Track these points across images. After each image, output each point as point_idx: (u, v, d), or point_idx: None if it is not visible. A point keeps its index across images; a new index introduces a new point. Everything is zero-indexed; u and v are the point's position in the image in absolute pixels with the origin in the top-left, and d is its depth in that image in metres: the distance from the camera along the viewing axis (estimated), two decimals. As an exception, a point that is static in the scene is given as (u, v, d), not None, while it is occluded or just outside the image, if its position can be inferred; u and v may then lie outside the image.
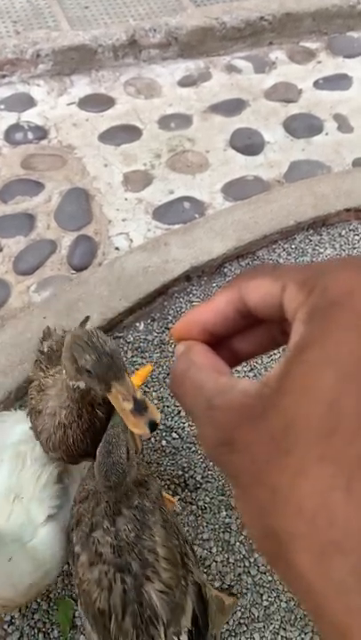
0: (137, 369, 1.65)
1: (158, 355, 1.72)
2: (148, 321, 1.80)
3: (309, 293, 0.22)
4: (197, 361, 0.26)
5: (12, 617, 1.27)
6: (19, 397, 1.54)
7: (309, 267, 0.23)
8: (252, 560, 1.37)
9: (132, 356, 1.71)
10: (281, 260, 1.98)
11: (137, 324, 1.79)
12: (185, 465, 1.50)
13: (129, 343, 1.74)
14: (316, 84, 2.73)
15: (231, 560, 1.37)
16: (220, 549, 1.38)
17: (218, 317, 0.27)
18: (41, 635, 1.25)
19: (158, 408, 1.60)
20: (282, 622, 1.29)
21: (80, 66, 2.67)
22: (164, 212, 2.16)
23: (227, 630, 1.27)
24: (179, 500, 1.45)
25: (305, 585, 0.18)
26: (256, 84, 2.72)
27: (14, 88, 2.59)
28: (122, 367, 0.80)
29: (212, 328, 0.27)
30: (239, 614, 1.30)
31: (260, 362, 1.70)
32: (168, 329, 1.77)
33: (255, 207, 2.03)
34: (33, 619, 1.27)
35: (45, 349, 1.17)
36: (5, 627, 1.26)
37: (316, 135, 2.50)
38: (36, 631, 1.25)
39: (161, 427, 1.57)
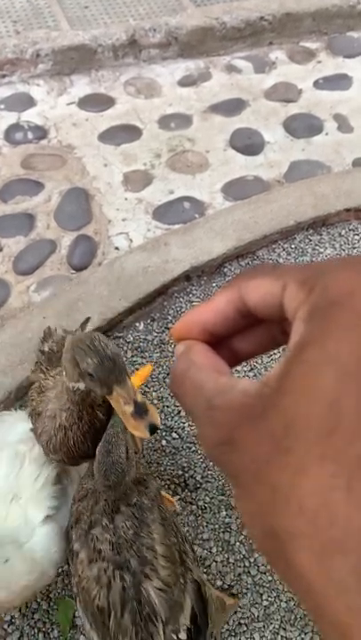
0: (137, 369, 1.65)
1: (158, 355, 1.72)
2: (148, 321, 1.80)
3: (310, 293, 0.22)
4: (197, 361, 0.26)
5: (12, 617, 1.27)
6: (19, 397, 1.54)
7: (310, 266, 0.23)
8: (252, 560, 1.37)
9: (132, 356, 1.71)
10: (281, 260, 1.97)
11: (137, 324, 1.79)
12: (185, 465, 1.50)
13: (129, 343, 1.74)
14: (316, 84, 2.73)
15: (231, 560, 1.37)
16: (220, 549, 1.38)
17: (218, 317, 0.27)
18: (41, 634, 1.25)
19: (158, 408, 1.60)
20: (282, 622, 1.29)
21: (80, 66, 2.67)
22: (163, 212, 2.16)
23: (227, 630, 1.27)
24: (179, 499, 1.45)
25: (305, 584, 0.18)
26: (256, 84, 2.72)
27: (14, 88, 2.59)
28: (123, 371, 0.81)
29: (212, 328, 0.27)
30: (239, 614, 1.30)
31: (260, 362, 1.70)
32: (168, 329, 1.77)
33: (255, 207, 2.03)
34: (33, 618, 1.27)
35: (46, 349, 1.17)
36: (5, 626, 1.26)
37: (316, 135, 2.50)
38: (36, 631, 1.26)
39: (161, 427, 1.56)
